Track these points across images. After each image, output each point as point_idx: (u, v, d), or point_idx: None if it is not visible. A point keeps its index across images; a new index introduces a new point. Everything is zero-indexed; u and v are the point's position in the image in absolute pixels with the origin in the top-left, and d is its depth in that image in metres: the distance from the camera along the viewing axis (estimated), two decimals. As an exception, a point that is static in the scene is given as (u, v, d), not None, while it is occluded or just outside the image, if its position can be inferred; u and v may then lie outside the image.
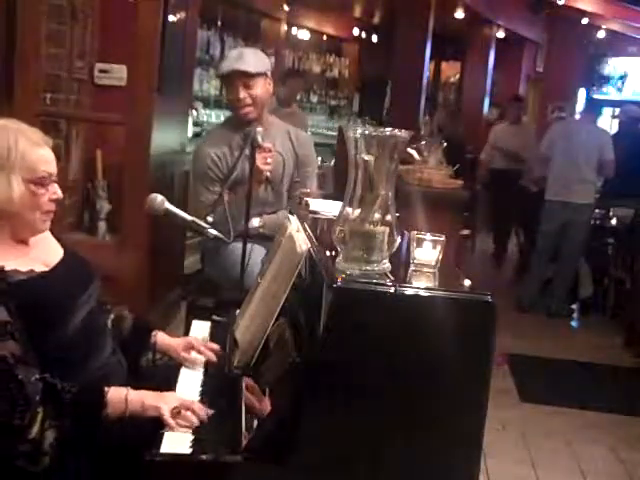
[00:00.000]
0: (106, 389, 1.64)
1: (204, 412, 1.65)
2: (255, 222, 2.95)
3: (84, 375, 1.70)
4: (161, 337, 2.05)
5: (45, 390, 1.55)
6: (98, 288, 1.85)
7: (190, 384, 1.89)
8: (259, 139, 2.65)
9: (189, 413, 1.63)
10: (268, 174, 2.87)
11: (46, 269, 1.74)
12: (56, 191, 1.74)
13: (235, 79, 2.95)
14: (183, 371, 1.97)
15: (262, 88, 2.99)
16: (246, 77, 2.94)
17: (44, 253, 1.79)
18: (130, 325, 2.03)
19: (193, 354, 2.01)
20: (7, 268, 1.63)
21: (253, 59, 2.98)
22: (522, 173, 7.01)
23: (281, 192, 3.11)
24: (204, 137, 3.20)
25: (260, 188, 2.92)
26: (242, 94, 2.95)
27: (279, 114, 4.45)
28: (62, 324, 1.68)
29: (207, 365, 1.99)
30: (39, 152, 1.70)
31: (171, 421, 1.61)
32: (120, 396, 1.64)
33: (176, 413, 1.62)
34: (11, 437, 1.50)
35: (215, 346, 2.04)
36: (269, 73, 3.04)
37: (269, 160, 2.84)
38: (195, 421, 1.62)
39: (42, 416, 1.52)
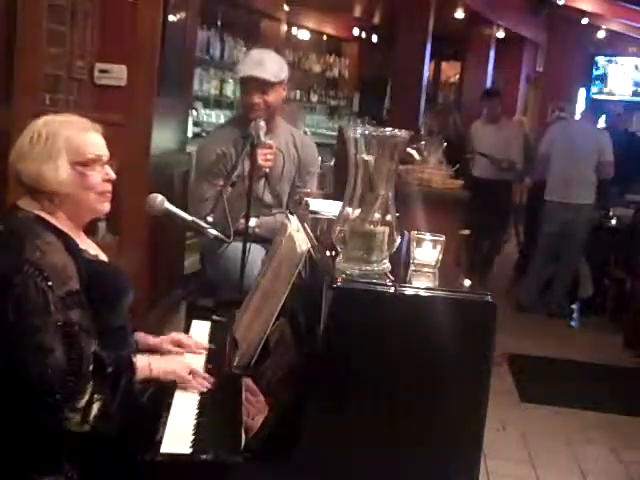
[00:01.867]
0: (134, 358, 1.75)
1: (210, 378, 1.82)
2: (252, 222, 2.95)
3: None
4: (141, 337, 2.04)
5: (94, 363, 1.63)
6: (132, 297, 1.92)
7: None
8: (261, 135, 2.70)
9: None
10: (267, 170, 2.88)
11: (106, 259, 1.88)
12: (109, 172, 1.82)
13: (252, 84, 2.94)
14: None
15: (277, 95, 2.99)
16: (264, 85, 2.93)
17: (97, 250, 1.89)
18: None
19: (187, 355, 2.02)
20: (80, 247, 1.75)
21: (274, 67, 2.97)
22: (511, 185, 6.45)
23: (281, 194, 3.11)
24: (210, 134, 3.21)
25: (259, 186, 2.93)
26: (257, 99, 2.94)
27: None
28: (113, 312, 1.79)
29: (207, 365, 1.99)
30: (85, 136, 1.78)
31: (192, 380, 1.79)
32: (144, 364, 1.76)
33: (191, 376, 1.80)
34: (62, 401, 1.56)
35: (202, 344, 2.08)
36: (286, 80, 3.04)
37: (269, 157, 2.84)
38: (207, 385, 1.80)
39: (92, 389, 1.60)
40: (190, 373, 1.82)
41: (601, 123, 6.68)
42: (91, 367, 1.61)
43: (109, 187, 1.83)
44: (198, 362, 1.97)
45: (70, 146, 1.74)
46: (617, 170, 5.59)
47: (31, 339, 1.57)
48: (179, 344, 2.04)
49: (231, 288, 2.66)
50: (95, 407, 1.60)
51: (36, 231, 1.67)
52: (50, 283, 1.60)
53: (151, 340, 2.04)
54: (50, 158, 1.72)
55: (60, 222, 1.76)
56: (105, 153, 1.83)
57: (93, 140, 1.80)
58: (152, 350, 2.02)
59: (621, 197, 6.04)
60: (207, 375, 1.85)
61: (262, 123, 2.76)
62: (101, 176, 1.80)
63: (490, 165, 6.28)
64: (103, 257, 1.89)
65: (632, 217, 5.83)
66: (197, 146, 3.20)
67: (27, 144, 1.73)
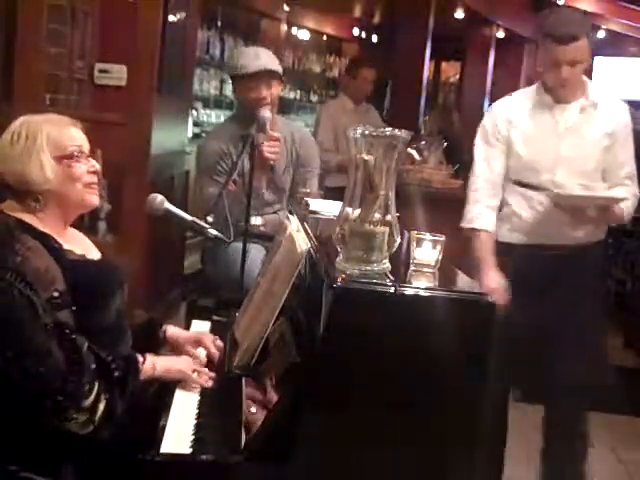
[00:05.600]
0: (140, 357, 1.76)
1: (212, 375, 1.88)
2: (258, 220, 2.97)
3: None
4: (171, 330, 2.07)
5: (97, 363, 1.62)
6: (126, 291, 1.92)
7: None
8: (267, 126, 2.77)
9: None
10: (272, 162, 2.91)
11: (94, 258, 1.87)
12: (94, 164, 1.83)
13: (261, 78, 2.97)
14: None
15: (277, 89, 3.04)
16: (271, 77, 2.98)
17: (87, 248, 1.89)
18: (144, 320, 2.08)
19: (199, 350, 2.04)
20: (65, 247, 1.74)
21: (275, 60, 3.04)
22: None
23: (282, 191, 3.12)
24: (211, 132, 3.22)
25: (261, 182, 2.96)
26: (265, 93, 2.97)
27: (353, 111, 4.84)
28: (102, 311, 1.77)
29: (207, 365, 1.99)
30: (65, 130, 1.80)
31: (197, 378, 1.85)
32: (148, 363, 1.77)
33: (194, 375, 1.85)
34: (65, 402, 1.55)
35: (221, 344, 2.07)
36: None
37: (275, 149, 2.89)
38: (210, 382, 1.86)
39: (97, 388, 1.59)
40: (194, 371, 1.84)
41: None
42: (94, 365, 1.60)
43: (95, 178, 1.83)
44: (201, 355, 2.00)
45: (51, 141, 1.75)
46: None
47: (26, 345, 1.55)
48: (200, 344, 2.05)
49: (231, 287, 2.67)
50: (101, 407, 1.59)
51: (16, 236, 1.66)
52: (34, 287, 1.58)
53: (183, 335, 2.06)
54: (32, 156, 1.72)
55: (43, 223, 1.74)
56: (86, 146, 1.83)
57: (73, 134, 1.81)
58: (177, 344, 2.05)
59: None
60: (211, 373, 1.88)
61: (269, 113, 2.81)
62: (86, 168, 1.80)
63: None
64: (93, 255, 1.88)
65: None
66: (197, 145, 3.21)
67: (7, 145, 1.74)
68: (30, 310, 1.56)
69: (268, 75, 2.97)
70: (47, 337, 1.56)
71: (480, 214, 2.64)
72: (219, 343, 2.06)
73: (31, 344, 1.55)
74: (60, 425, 1.57)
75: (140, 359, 1.76)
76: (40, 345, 1.55)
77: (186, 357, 1.95)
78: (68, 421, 1.57)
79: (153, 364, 1.78)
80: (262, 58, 3.00)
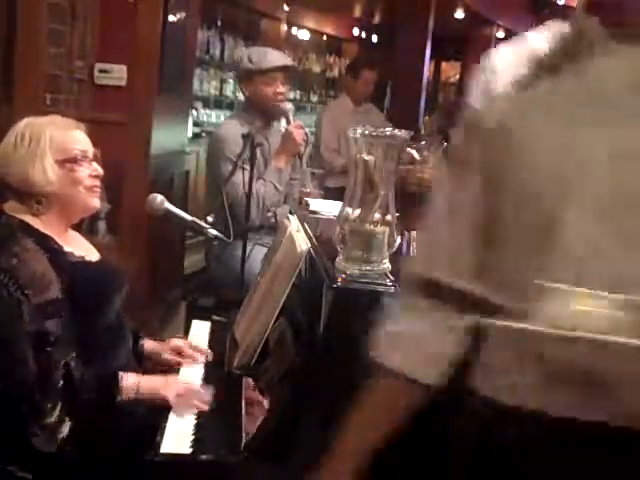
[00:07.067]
0: (121, 375, 1.70)
1: (206, 395, 1.73)
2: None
3: (106, 364, 1.76)
4: (147, 343, 2.04)
5: (65, 382, 1.59)
6: (125, 295, 1.91)
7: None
8: (290, 116, 2.99)
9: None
10: (302, 148, 3.04)
11: (95, 260, 1.87)
12: (96, 168, 1.83)
13: (279, 73, 3.10)
14: (183, 370, 1.97)
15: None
16: (286, 72, 3.13)
17: (86, 250, 1.89)
18: None
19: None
20: (65, 249, 1.74)
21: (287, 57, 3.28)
22: None
23: (287, 183, 3.12)
24: (223, 127, 3.20)
25: (288, 164, 3.11)
26: (282, 88, 3.11)
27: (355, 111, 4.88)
28: (102, 312, 1.77)
29: (207, 365, 1.99)
30: (68, 134, 1.80)
31: (179, 407, 1.69)
32: (132, 384, 1.70)
33: (181, 399, 1.71)
34: (28, 415, 1.54)
35: (202, 348, 2.05)
36: None
37: (303, 135, 3.02)
38: (200, 405, 1.70)
39: (61, 408, 1.56)
40: (181, 396, 1.72)
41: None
42: (60, 383, 1.57)
43: (97, 182, 1.83)
44: (195, 374, 1.94)
45: (54, 145, 1.75)
46: None
47: (6, 348, 1.54)
48: (179, 352, 2.01)
49: (235, 286, 2.67)
50: (65, 429, 1.56)
51: (16, 237, 1.66)
52: (26, 292, 1.57)
53: (153, 347, 2.03)
54: (36, 159, 1.72)
55: (45, 225, 1.74)
56: (90, 149, 1.83)
57: (77, 137, 1.81)
58: (155, 355, 2.02)
59: None
60: (202, 391, 1.76)
61: (290, 105, 3.06)
62: (88, 172, 1.80)
63: None
64: (92, 257, 1.87)
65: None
66: (213, 139, 3.19)
67: (11, 147, 1.74)
68: (15, 315, 1.55)
69: (285, 70, 3.11)
70: (27, 346, 1.55)
71: None
72: (200, 348, 2.04)
73: (11, 348, 1.54)
74: (25, 438, 1.54)
75: (123, 377, 1.69)
76: (19, 352, 1.54)
77: (173, 379, 1.83)
78: (32, 435, 1.54)
79: (137, 384, 1.70)
80: (278, 55, 3.16)
